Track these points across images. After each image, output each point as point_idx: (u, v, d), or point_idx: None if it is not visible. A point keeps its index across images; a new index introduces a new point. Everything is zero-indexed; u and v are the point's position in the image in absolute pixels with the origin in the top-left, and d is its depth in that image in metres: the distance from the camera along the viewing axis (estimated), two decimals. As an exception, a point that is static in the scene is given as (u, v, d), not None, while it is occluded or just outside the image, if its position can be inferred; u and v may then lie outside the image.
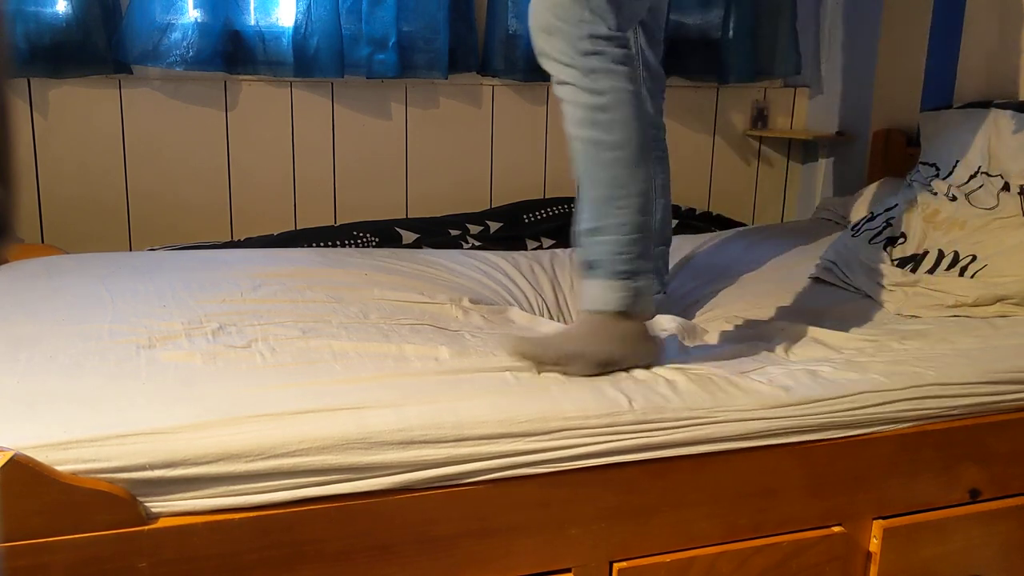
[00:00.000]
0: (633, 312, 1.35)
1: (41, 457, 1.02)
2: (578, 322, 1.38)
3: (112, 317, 1.50)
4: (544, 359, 1.31)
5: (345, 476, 1.12)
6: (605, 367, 1.33)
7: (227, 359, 1.33)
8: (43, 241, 2.33)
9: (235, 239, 2.47)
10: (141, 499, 1.06)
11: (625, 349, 1.34)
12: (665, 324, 1.68)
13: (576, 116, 1.35)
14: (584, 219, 1.37)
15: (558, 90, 1.38)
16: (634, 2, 1.42)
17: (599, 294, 1.36)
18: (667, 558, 1.29)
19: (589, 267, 1.37)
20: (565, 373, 1.31)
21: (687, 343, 1.62)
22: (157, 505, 1.06)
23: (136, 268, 1.79)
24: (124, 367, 1.29)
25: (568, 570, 1.25)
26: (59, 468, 1.03)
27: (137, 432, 1.08)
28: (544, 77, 2.86)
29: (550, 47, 1.36)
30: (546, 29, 1.36)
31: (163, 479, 1.06)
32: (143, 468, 1.05)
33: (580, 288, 1.41)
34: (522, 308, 1.81)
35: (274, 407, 1.16)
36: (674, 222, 2.67)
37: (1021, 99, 2.30)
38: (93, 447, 1.05)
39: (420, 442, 1.15)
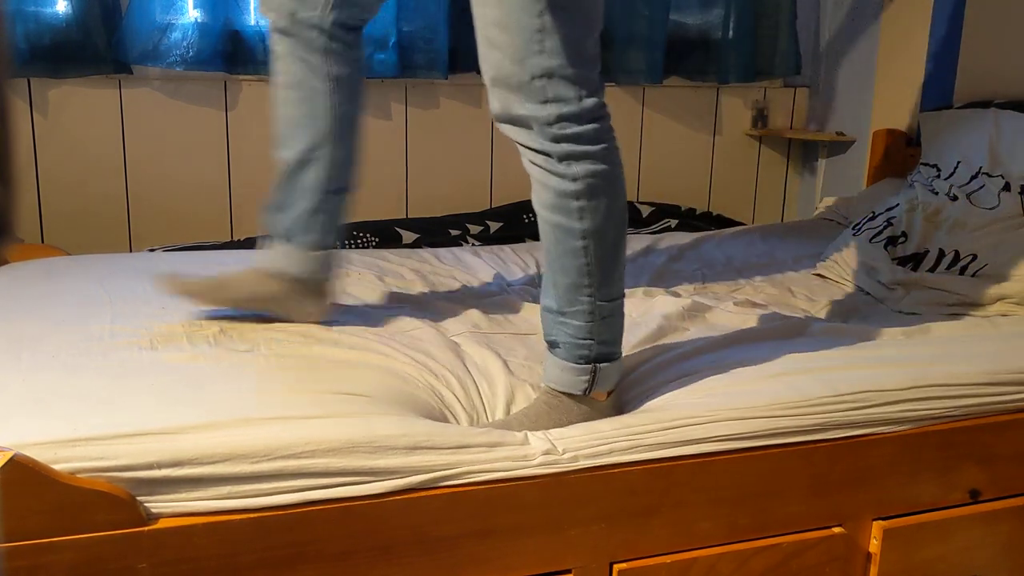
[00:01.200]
0: (594, 392, 1.30)
1: (48, 454, 1.02)
2: (537, 400, 1.32)
3: (112, 319, 1.50)
4: None
5: (350, 479, 1.12)
6: None
7: (231, 363, 1.33)
8: (43, 241, 2.33)
9: (235, 239, 2.47)
10: (147, 499, 1.06)
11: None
12: (668, 307, 1.69)
13: (545, 199, 1.24)
14: (548, 297, 1.29)
15: (527, 167, 1.25)
16: (596, 30, 1.24)
17: (559, 374, 1.29)
18: (667, 559, 1.29)
19: (551, 345, 1.31)
20: None
21: (687, 324, 1.62)
22: (162, 505, 1.06)
23: (136, 270, 1.79)
24: (127, 367, 1.29)
25: (568, 571, 1.25)
26: (66, 465, 1.03)
27: (144, 431, 1.08)
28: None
29: (516, 135, 1.24)
30: (511, 118, 1.22)
31: (169, 478, 1.06)
32: (150, 467, 1.05)
33: (543, 359, 1.33)
34: (520, 297, 1.81)
35: (281, 411, 1.16)
36: (674, 222, 2.67)
37: (1021, 99, 2.30)
38: (100, 445, 1.05)
39: (424, 448, 1.15)
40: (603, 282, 1.26)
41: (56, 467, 1.02)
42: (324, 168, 1.34)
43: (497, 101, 1.23)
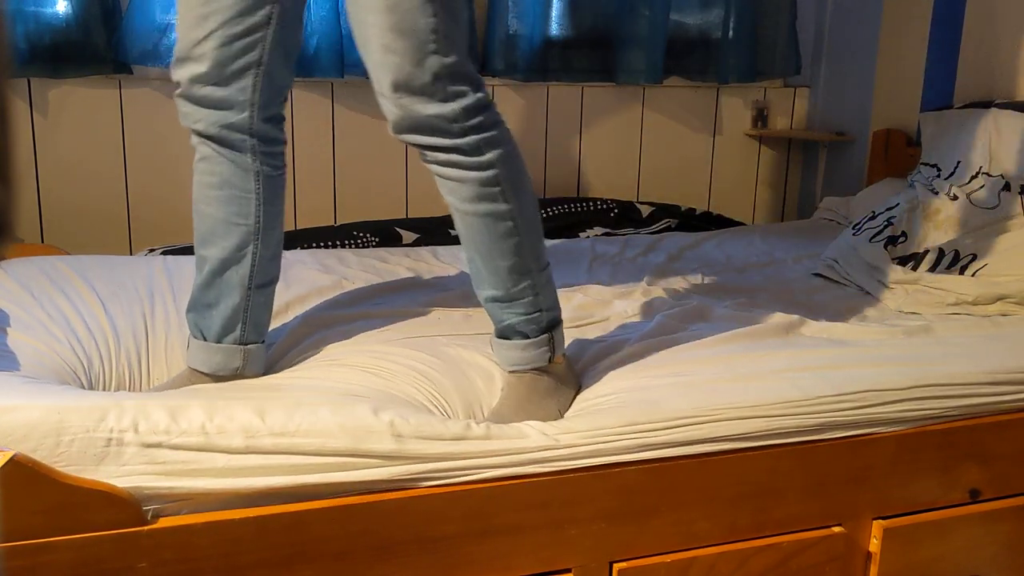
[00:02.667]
0: (556, 357, 1.35)
1: (52, 416, 1.04)
2: (509, 388, 1.34)
3: (113, 320, 1.50)
4: None
5: (346, 462, 1.12)
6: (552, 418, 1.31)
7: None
8: (43, 241, 2.33)
9: (235, 239, 2.47)
10: (140, 474, 1.06)
11: (558, 398, 1.34)
12: (666, 307, 1.69)
13: (467, 193, 1.27)
14: (487, 287, 1.32)
15: (438, 170, 1.27)
16: (467, 30, 1.28)
17: (521, 355, 1.33)
18: (667, 558, 1.29)
19: (503, 334, 1.34)
20: None
21: (686, 324, 1.62)
22: (155, 485, 1.07)
23: (132, 273, 1.79)
24: (133, 363, 1.30)
25: (568, 570, 1.25)
26: (68, 426, 1.05)
27: (144, 400, 1.11)
28: (544, 77, 2.85)
29: (424, 140, 1.25)
30: (418, 125, 1.24)
31: (164, 444, 1.07)
32: (147, 432, 1.07)
33: (496, 347, 1.36)
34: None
35: (280, 394, 1.18)
36: (674, 222, 2.67)
37: (1021, 99, 2.30)
38: (101, 410, 1.07)
39: (422, 437, 1.16)
40: (537, 253, 1.32)
41: (57, 428, 1.04)
42: (250, 265, 1.36)
43: (399, 108, 1.23)
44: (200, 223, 1.36)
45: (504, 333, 1.35)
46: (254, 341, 1.38)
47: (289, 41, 1.35)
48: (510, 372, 1.35)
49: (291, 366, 1.41)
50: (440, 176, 1.28)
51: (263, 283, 1.38)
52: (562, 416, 1.32)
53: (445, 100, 1.22)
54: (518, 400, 1.31)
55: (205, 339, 1.36)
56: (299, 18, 1.36)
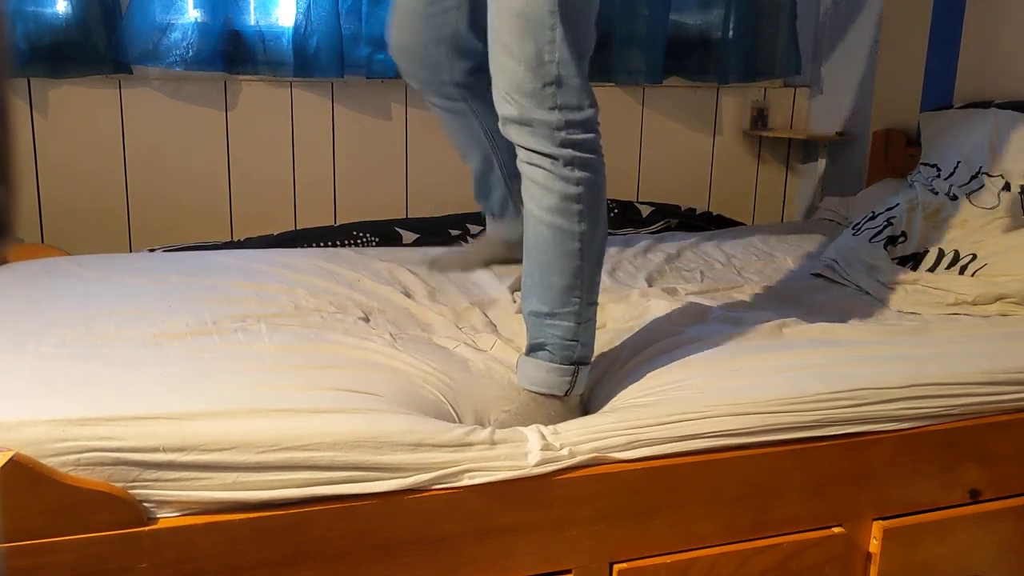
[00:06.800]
0: (573, 393, 1.35)
1: (57, 431, 1.04)
2: (520, 402, 1.34)
3: (117, 315, 1.50)
4: None
5: (354, 475, 1.12)
6: None
7: (239, 359, 1.33)
8: (43, 241, 2.33)
9: (235, 239, 2.47)
10: (151, 485, 1.06)
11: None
12: (662, 310, 1.69)
13: (548, 202, 1.30)
14: (536, 300, 1.34)
15: (527, 169, 1.31)
16: (591, 50, 1.33)
17: (543, 376, 1.33)
18: (667, 559, 1.29)
19: (534, 348, 1.35)
20: None
21: (682, 326, 1.62)
22: (167, 493, 1.06)
23: (136, 270, 1.79)
24: (136, 358, 1.30)
25: (568, 571, 1.25)
26: (74, 443, 1.04)
27: (152, 415, 1.09)
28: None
29: (524, 140, 1.30)
30: (521, 121, 1.29)
31: (174, 463, 1.06)
32: (155, 450, 1.06)
33: (522, 363, 1.37)
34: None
35: (289, 403, 1.17)
36: (674, 222, 2.67)
37: (1021, 99, 2.30)
38: (108, 426, 1.06)
39: (428, 445, 1.15)
40: (590, 286, 1.34)
41: (64, 445, 1.03)
42: (499, 167, 1.65)
43: (511, 105, 1.29)
44: (456, 146, 1.69)
45: (534, 349, 1.35)
46: (520, 212, 1.51)
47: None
48: (525, 391, 1.35)
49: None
50: (528, 178, 1.32)
51: (511, 174, 1.61)
52: None
53: (552, 108, 1.27)
54: (529, 416, 1.31)
55: (493, 215, 1.70)
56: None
